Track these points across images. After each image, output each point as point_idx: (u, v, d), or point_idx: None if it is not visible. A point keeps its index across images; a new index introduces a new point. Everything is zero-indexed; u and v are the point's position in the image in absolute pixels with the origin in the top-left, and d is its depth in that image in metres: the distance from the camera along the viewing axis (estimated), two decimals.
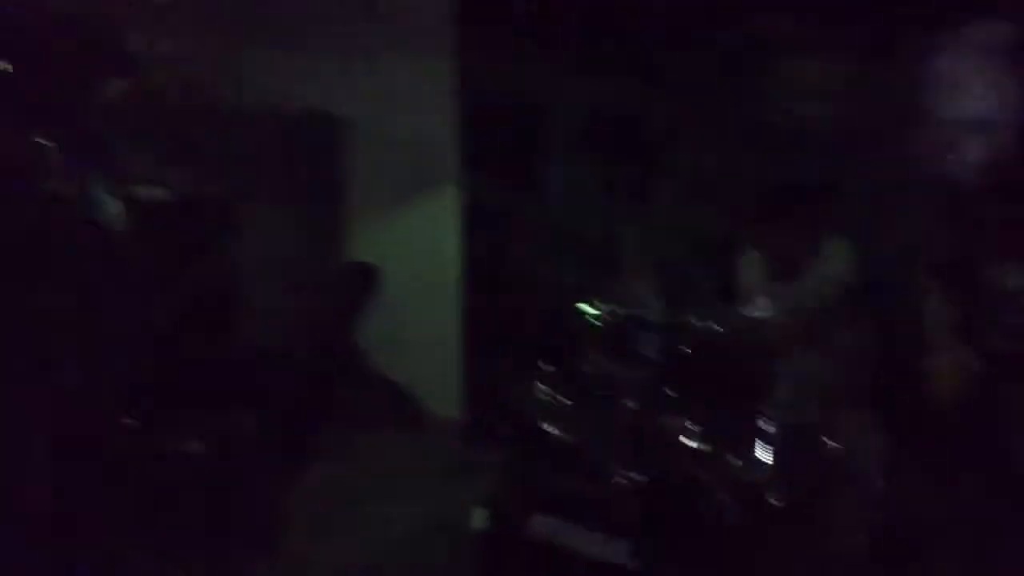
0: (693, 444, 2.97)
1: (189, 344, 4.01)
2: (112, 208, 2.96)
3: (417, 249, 5.61)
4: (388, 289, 5.52)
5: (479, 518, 3.08)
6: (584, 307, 3.18)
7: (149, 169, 4.48)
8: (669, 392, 3.00)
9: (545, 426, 3.28)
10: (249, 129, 5.40)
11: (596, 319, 3.14)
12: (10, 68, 4.70)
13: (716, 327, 3.09)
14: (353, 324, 5.54)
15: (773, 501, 3.06)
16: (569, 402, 3.13)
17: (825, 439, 3.18)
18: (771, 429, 3.08)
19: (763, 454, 3.09)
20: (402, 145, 5.58)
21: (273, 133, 5.46)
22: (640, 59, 4.78)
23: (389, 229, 5.73)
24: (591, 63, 4.90)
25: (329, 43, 5.59)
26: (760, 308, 2.95)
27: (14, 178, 2.75)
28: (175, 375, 3.78)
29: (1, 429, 3.01)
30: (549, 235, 4.56)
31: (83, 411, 2.93)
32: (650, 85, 4.77)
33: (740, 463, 3.08)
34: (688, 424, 2.98)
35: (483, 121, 5.25)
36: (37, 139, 2.78)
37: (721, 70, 4.62)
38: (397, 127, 5.56)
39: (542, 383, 3.19)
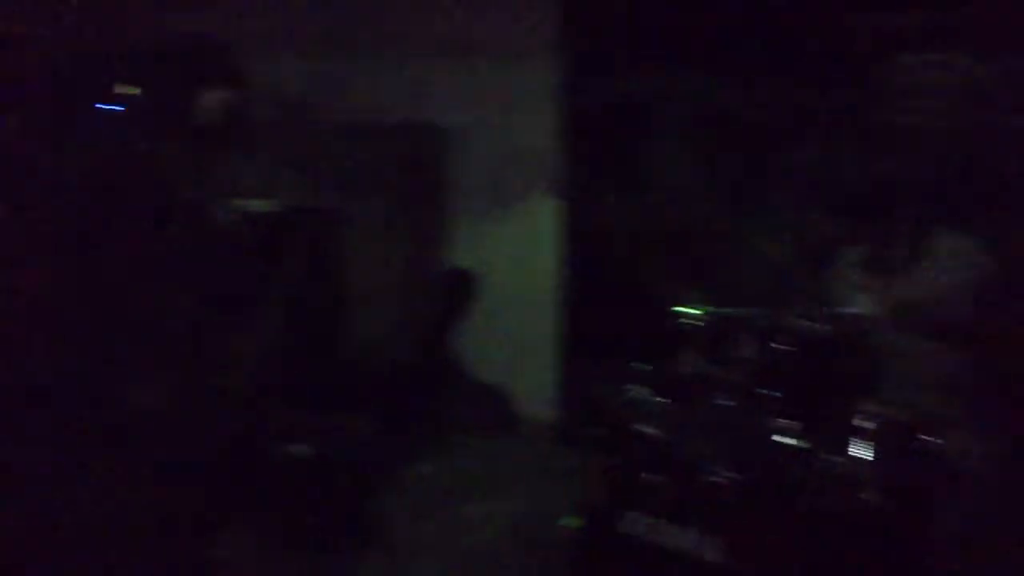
0: (790, 442, 2.92)
1: (295, 348, 4.12)
2: (228, 217, 3.08)
3: (516, 253, 5.66)
4: (487, 294, 5.57)
5: (572, 518, 3.08)
6: (682, 308, 3.16)
7: (258, 180, 4.65)
8: (767, 391, 2.96)
9: (640, 426, 3.28)
10: (352, 140, 5.54)
11: (693, 320, 3.12)
12: (139, 91, 4.94)
13: (816, 326, 3.05)
14: (451, 329, 5.60)
15: (872, 499, 2.99)
16: (664, 402, 3.12)
17: (928, 436, 3.09)
18: (872, 427, 3.02)
19: (863, 452, 3.03)
20: (503, 151, 5.64)
21: (375, 143, 5.59)
22: (745, 58, 4.74)
23: (489, 235, 5.80)
24: (696, 63, 4.89)
25: (429, 51, 5.70)
26: (862, 305, 2.90)
27: (146, 185, 2.89)
28: (281, 378, 3.88)
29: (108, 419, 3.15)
30: (648, 237, 4.57)
31: (193, 410, 3.03)
32: (755, 84, 4.73)
33: (839, 461, 3.03)
34: (786, 423, 2.94)
35: (585, 125, 5.26)
36: (165, 150, 2.92)
37: (829, 68, 4.56)
38: (498, 134, 5.63)
39: (638, 383, 3.18)
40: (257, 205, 4.52)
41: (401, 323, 5.57)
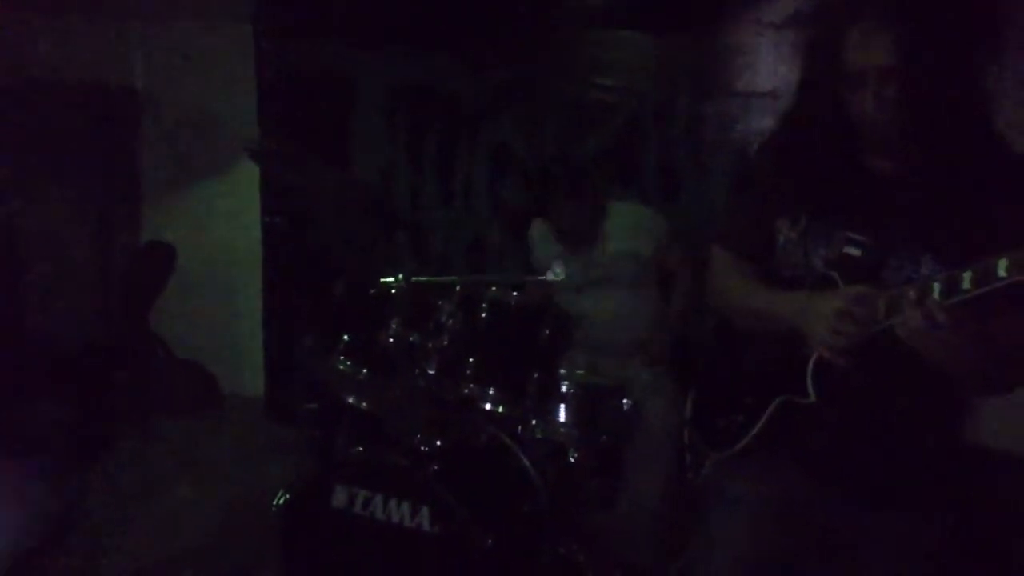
0: (493, 408, 3.01)
1: None
2: None
3: (218, 225, 5.47)
4: (187, 268, 5.37)
5: (282, 494, 3.03)
6: (383, 278, 3.16)
7: None
8: (469, 358, 3.03)
9: (346, 398, 3.27)
10: (31, 103, 5.12)
11: (395, 289, 3.13)
12: None
13: (512, 293, 3.14)
14: (149, 305, 5.36)
15: (572, 458, 3.15)
16: (370, 373, 3.11)
17: (620, 397, 3.29)
18: (569, 390, 3.17)
19: (562, 414, 3.17)
20: (200, 118, 5.41)
21: (58, 107, 5.19)
22: (441, 32, 4.78)
23: (187, 207, 5.57)
24: (393, 34, 4.88)
25: (121, 11, 5.35)
26: (554, 273, 3.01)
27: None
28: None
29: None
30: (350, 208, 4.52)
31: None
32: (452, 58, 4.79)
33: (540, 424, 3.16)
34: (488, 389, 3.02)
35: (283, 92, 5.14)
36: None
37: (520, 44, 4.68)
38: (193, 100, 5.39)
39: (343, 356, 3.16)
40: None
41: (93, 301, 5.26)
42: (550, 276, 2.99)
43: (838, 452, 2.04)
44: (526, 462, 3.11)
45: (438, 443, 3.04)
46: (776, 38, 4.25)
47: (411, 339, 3.03)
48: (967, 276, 1.66)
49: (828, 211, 2.01)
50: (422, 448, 3.02)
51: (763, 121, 4.29)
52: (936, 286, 1.70)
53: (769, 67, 4.27)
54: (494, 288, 3.13)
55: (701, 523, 2.25)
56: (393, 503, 2.86)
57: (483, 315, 3.06)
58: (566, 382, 3.17)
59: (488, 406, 3.02)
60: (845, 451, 2.04)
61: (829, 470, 2.07)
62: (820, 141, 2.01)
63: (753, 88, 4.30)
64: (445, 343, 3.01)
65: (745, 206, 2.30)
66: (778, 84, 4.23)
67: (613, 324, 3.49)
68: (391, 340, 3.02)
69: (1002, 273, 1.60)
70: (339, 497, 2.92)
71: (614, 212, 3.60)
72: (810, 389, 1.97)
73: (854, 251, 1.97)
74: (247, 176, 5.11)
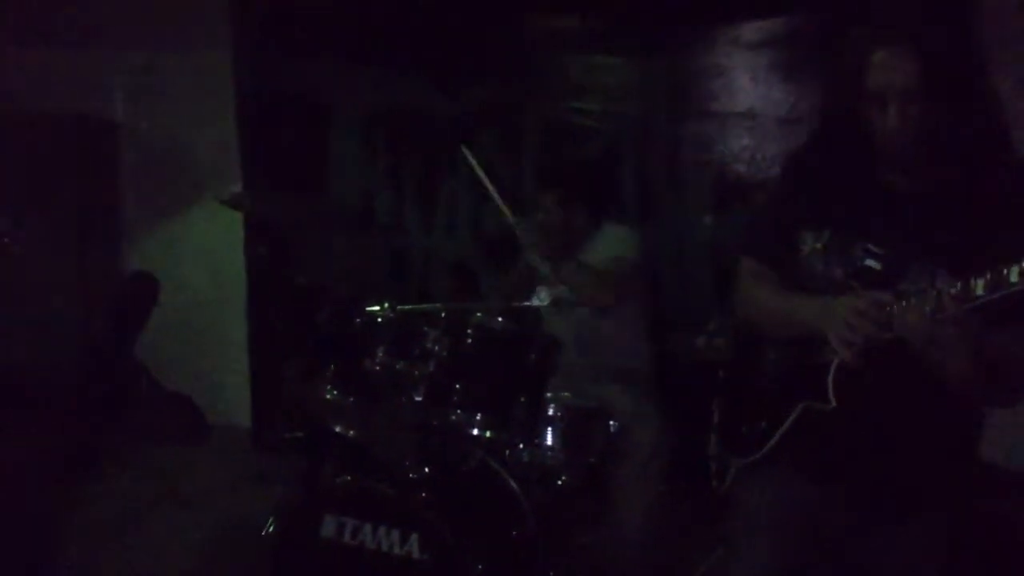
0: (481, 433, 3.02)
1: None
2: None
3: (202, 254, 5.48)
4: (170, 299, 5.36)
5: (271, 524, 3.03)
6: (369, 306, 3.18)
7: None
8: (455, 384, 3.04)
9: (335, 427, 3.27)
10: (11, 134, 5.12)
11: (380, 317, 3.15)
12: None
13: (498, 319, 3.16)
14: (133, 336, 5.35)
15: (561, 481, 3.16)
16: (356, 401, 3.13)
17: (606, 420, 3.30)
18: (556, 413, 3.18)
19: (549, 437, 3.19)
20: (181, 149, 5.41)
21: (38, 138, 5.19)
22: (423, 56, 4.81)
23: (169, 237, 5.57)
24: (374, 58, 4.90)
25: (99, 42, 5.35)
26: (539, 298, 3.03)
27: None
28: None
29: None
30: (334, 236, 4.54)
31: None
32: (432, 81, 4.81)
33: (528, 448, 3.17)
34: (475, 415, 3.03)
35: (263, 120, 5.14)
36: None
37: (499, 68, 4.71)
38: (173, 129, 5.39)
39: (329, 384, 3.17)
40: None
41: (76, 332, 5.24)
42: (535, 301, 3.01)
43: (858, 459, 2.09)
44: (514, 486, 3.12)
45: (426, 470, 3.05)
46: (753, 59, 4.30)
47: (397, 366, 3.04)
48: (979, 283, 1.72)
49: (849, 225, 2.08)
50: (410, 475, 3.03)
51: (740, 141, 4.34)
52: (951, 291, 1.76)
53: (746, 87, 4.33)
54: (479, 314, 3.15)
55: (726, 530, 2.29)
56: (382, 531, 2.86)
57: (469, 341, 3.07)
58: (552, 406, 3.18)
59: (475, 431, 3.03)
60: (865, 458, 2.08)
61: (849, 477, 2.11)
62: (842, 157, 2.10)
63: (730, 108, 4.35)
64: (431, 370, 3.03)
65: (771, 218, 2.37)
66: (754, 104, 4.28)
67: (578, 345, 3.48)
68: (377, 368, 3.04)
69: (1014, 279, 1.66)
70: (328, 526, 2.92)
71: (600, 234, 3.59)
72: (831, 396, 2.00)
73: (873, 264, 2.03)
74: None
